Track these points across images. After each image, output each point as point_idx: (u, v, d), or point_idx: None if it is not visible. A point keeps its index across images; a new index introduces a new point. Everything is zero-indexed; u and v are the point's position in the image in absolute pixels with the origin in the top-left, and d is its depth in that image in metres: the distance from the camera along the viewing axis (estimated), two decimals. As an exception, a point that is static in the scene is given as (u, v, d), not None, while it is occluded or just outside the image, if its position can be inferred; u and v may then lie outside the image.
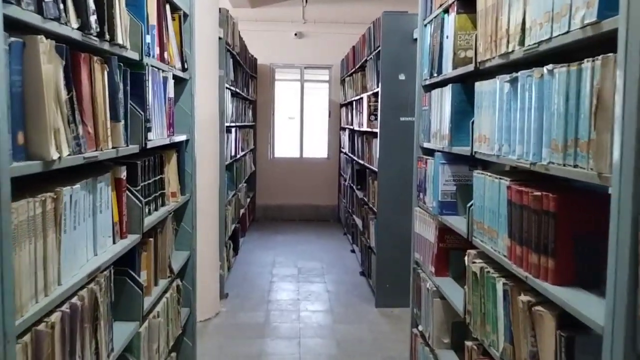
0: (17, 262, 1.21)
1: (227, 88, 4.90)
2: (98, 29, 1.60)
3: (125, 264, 2.01)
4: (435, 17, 2.70)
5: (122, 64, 1.85)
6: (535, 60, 1.67)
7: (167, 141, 2.49)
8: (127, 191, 1.99)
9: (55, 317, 1.36)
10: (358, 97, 6.13)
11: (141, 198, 2.07)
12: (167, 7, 2.59)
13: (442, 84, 2.56)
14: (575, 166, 1.34)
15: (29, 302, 1.27)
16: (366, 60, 5.50)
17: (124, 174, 1.96)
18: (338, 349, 3.79)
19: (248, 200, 7.42)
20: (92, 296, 1.62)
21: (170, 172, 2.68)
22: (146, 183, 2.24)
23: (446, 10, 2.51)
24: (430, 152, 2.75)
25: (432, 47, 2.75)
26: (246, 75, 6.94)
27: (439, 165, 2.49)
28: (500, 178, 1.84)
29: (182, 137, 2.85)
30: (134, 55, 1.97)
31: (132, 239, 2.00)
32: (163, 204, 2.51)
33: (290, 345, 3.83)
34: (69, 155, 1.42)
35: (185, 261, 2.96)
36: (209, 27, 4.15)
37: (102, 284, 1.69)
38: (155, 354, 2.35)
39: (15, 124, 1.21)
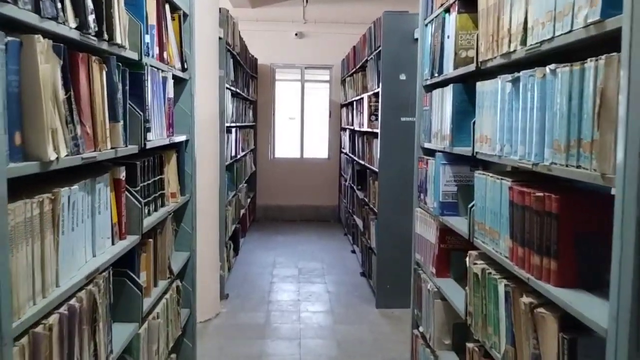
0: (14, 264, 1.20)
1: (227, 88, 4.89)
2: (96, 29, 1.59)
3: (124, 265, 2.00)
4: (436, 16, 2.69)
5: (120, 64, 1.84)
6: (537, 60, 1.66)
7: (166, 141, 2.48)
8: (126, 192, 1.98)
9: (53, 319, 1.35)
10: (359, 97, 6.12)
11: (140, 199, 2.06)
12: (167, 6, 2.58)
13: (443, 84, 2.55)
14: (578, 167, 1.33)
15: (26, 304, 1.26)
16: (367, 60, 5.49)
17: (123, 175, 1.95)
18: (338, 350, 3.78)
19: (248, 200, 7.41)
20: (90, 298, 1.61)
21: (170, 172, 2.67)
22: (145, 184, 2.23)
23: (447, 10, 2.50)
24: (431, 153, 2.74)
25: (433, 47, 2.73)
26: (246, 76, 6.93)
27: (440, 166, 2.48)
28: (501, 179, 1.83)
29: (182, 138, 2.83)
30: (133, 55, 1.96)
31: (131, 240, 1.99)
32: (163, 205, 2.50)
33: (291, 346, 3.82)
34: (67, 155, 1.41)
35: (185, 262, 2.94)
36: (209, 27, 4.14)
37: (100, 285, 1.68)
38: (155, 355, 2.34)
39: (12, 124, 1.20)
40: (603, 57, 1.23)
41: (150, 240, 2.30)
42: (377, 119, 4.90)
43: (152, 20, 2.27)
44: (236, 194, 5.91)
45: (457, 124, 2.34)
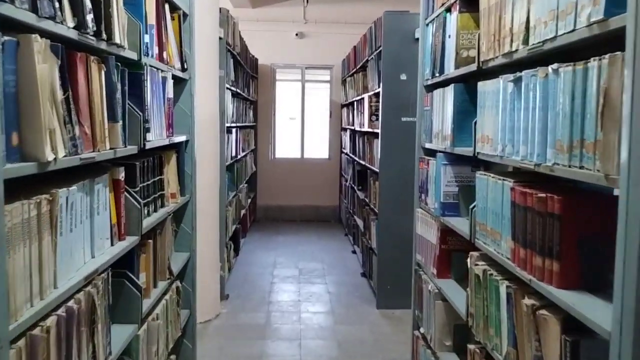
0: (11, 266, 1.19)
1: (227, 88, 4.88)
2: (95, 28, 1.58)
3: (123, 266, 1.99)
4: (437, 16, 2.68)
5: (119, 64, 1.83)
6: (539, 59, 1.64)
7: (166, 142, 2.46)
8: (125, 192, 1.97)
9: (50, 321, 1.34)
10: (359, 98, 6.11)
11: (140, 199, 2.04)
12: (167, 6, 2.57)
13: (444, 83, 2.54)
14: (581, 167, 1.32)
15: (23, 306, 1.25)
16: (367, 60, 5.48)
17: (122, 175, 1.94)
18: (339, 351, 3.77)
19: (249, 200, 7.40)
20: (89, 299, 1.59)
21: (170, 173, 2.65)
22: (145, 184, 2.22)
23: (448, 9, 2.48)
24: (432, 153, 2.73)
25: (434, 46, 2.72)
26: (247, 76, 6.92)
27: (441, 166, 2.46)
28: (503, 179, 1.81)
29: (182, 138, 2.82)
30: (132, 55, 1.95)
31: (130, 240, 1.98)
32: (162, 205, 2.48)
33: (291, 347, 3.81)
34: (65, 156, 1.40)
35: (185, 262, 2.93)
36: (209, 27, 4.13)
37: (99, 286, 1.67)
38: (155, 357, 2.33)
39: (9, 124, 1.19)
40: (607, 56, 1.21)
41: (150, 241, 2.29)
42: (377, 119, 4.89)
43: (152, 19, 2.26)
44: (236, 194, 5.90)
45: (458, 124, 2.33)
